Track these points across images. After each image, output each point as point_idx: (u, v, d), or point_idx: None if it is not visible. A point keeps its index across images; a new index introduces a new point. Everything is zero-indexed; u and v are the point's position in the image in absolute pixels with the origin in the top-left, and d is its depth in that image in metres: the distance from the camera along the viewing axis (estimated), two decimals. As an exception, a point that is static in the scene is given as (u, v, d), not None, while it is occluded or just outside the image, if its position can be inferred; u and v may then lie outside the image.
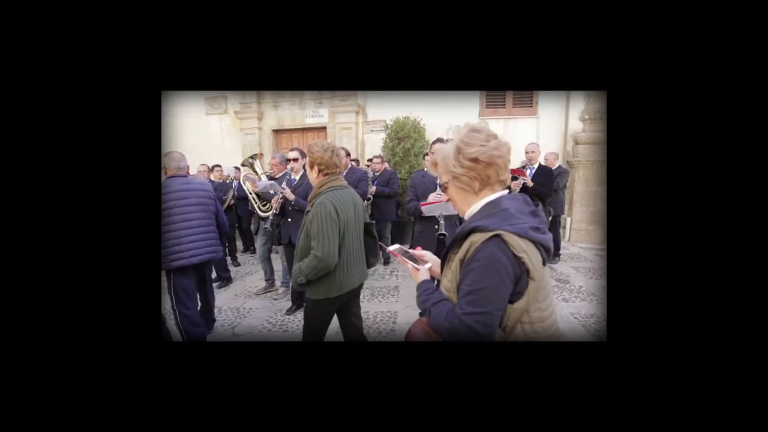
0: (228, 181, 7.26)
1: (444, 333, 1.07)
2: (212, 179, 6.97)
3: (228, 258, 6.56)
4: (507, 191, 1.25)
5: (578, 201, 8.10)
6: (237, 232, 7.64)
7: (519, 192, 4.95)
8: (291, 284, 4.64)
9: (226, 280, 5.85)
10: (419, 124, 7.92)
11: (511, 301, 1.07)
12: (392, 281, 5.75)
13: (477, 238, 1.10)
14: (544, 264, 1.10)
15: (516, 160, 7.95)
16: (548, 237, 1.12)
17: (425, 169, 3.97)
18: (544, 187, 4.94)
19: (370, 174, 6.38)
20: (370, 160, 7.44)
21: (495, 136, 1.20)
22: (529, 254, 1.04)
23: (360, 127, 9.30)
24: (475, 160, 1.16)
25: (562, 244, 7.65)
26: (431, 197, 3.47)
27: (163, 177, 2.89)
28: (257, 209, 4.94)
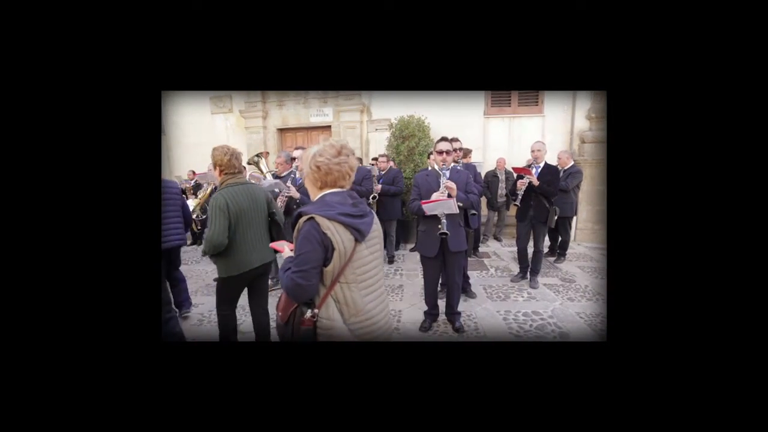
0: (233, 180, 7.30)
1: (285, 289, 1.53)
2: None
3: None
4: (340, 189, 1.66)
5: (584, 200, 8.05)
6: (242, 230, 7.68)
7: (524, 191, 4.93)
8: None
9: (231, 278, 5.89)
10: (424, 122, 7.91)
11: (325, 265, 1.52)
12: (396, 280, 5.75)
13: (302, 219, 1.55)
14: (359, 240, 1.59)
15: (522, 159, 7.92)
16: (362, 221, 1.62)
17: (429, 168, 3.97)
18: (550, 186, 4.91)
19: (376, 173, 6.38)
20: (374, 159, 7.45)
21: (347, 154, 1.60)
22: (334, 231, 1.51)
23: (364, 125, 9.30)
24: (318, 167, 1.59)
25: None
26: (434, 196, 3.47)
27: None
28: (262, 208, 4.97)
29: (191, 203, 5.88)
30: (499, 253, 7.29)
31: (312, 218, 1.52)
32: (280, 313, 1.61)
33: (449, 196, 3.42)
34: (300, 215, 1.58)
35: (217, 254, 2.83)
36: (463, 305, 4.50)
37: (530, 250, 5.38)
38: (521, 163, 6.17)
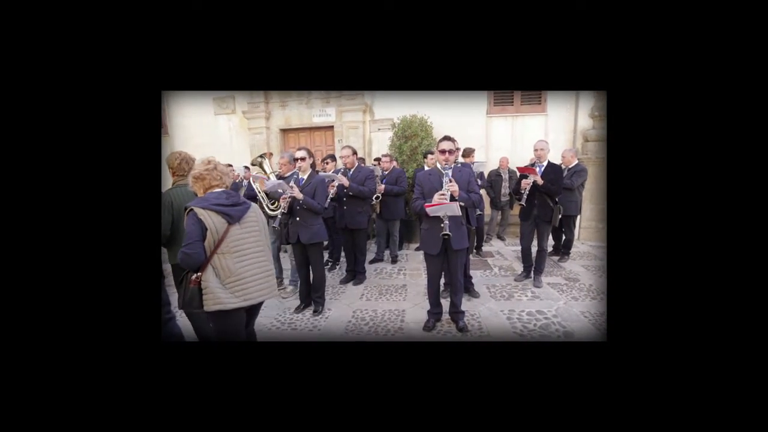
0: (238, 181, 7.34)
1: (179, 260, 2.16)
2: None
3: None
4: (217, 189, 2.45)
5: (588, 198, 8.01)
6: (246, 231, 7.70)
7: (529, 190, 4.89)
8: (299, 283, 4.68)
9: (235, 278, 5.91)
10: (426, 122, 7.89)
11: (204, 240, 2.23)
12: (400, 280, 5.75)
13: (186, 211, 2.29)
14: (231, 222, 2.34)
15: (525, 158, 7.89)
16: (234, 209, 2.37)
17: (426, 167, 3.99)
18: (554, 184, 4.89)
19: (379, 173, 6.38)
20: (377, 159, 7.44)
21: (214, 165, 2.44)
22: (206, 216, 2.25)
23: (367, 125, 9.30)
24: (196, 177, 2.42)
25: (572, 242, 7.57)
26: (436, 198, 3.47)
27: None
28: (266, 208, 4.99)
29: None
30: (503, 252, 7.27)
31: (192, 209, 2.27)
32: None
33: (452, 197, 3.44)
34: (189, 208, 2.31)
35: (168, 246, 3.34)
36: (467, 304, 4.49)
37: (534, 249, 5.36)
38: (524, 162, 6.14)
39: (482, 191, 5.89)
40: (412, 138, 7.67)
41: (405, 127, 7.74)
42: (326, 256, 6.56)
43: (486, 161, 8.51)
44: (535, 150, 5.12)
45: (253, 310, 2.66)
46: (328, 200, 4.87)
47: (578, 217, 6.94)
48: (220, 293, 2.23)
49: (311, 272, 4.59)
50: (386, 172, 6.41)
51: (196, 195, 2.50)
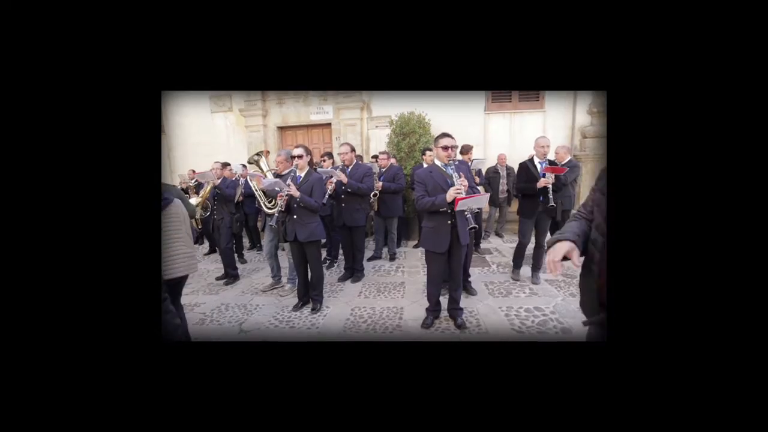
0: (235, 179, 7.32)
1: None
2: (224, 177, 7.01)
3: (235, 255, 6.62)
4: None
5: (585, 195, 8.02)
6: (244, 229, 7.70)
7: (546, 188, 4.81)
8: (297, 281, 4.68)
9: (233, 277, 5.91)
10: (424, 119, 7.88)
11: None
12: (398, 277, 5.76)
13: None
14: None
15: (523, 155, 7.89)
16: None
17: (423, 165, 3.97)
18: (558, 180, 4.91)
19: (376, 170, 6.38)
20: (375, 156, 7.43)
21: None
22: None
23: (365, 123, 9.28)
24: None
25: (569, 238, 7.56)
26: (452, 192, 3.44)
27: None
28: (263, 206, 4.98)
29: (193, 201, 5.92)
30: (501, 249, 7.29)
31: None
32: None
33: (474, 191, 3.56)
34: None
35: None
36: (465, 302, 4.50)
37: (530, 246, 5.38)
38: (523, 158, 6.12)
39: (480, 188, 5.89)
40: (409, 135, 7.66)
41: (403, 125, 7.73)
42: (324, 253, 6.56)
43: (484, 158, 8.52)
44: (542, 147, 5.02)
45: (176, 287, 3.17)
46: (326, 197, 4.86)
47: (572, 211, 6.98)
48: None
49: (309, 270, 4.59)
50: (384, 170, 6.40)
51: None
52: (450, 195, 3.43)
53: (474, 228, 3.51)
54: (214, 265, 6.85)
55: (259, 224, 7.34)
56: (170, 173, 9.96)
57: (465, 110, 8.63)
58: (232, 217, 6.07)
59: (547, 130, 8.60)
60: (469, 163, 5.69)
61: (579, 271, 1.46)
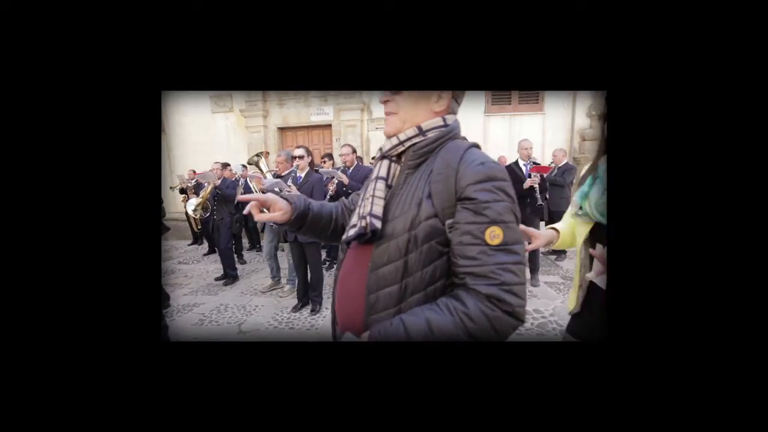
0: (235, 179, 7.31)
1: None
2: (224, 177, 7.01)
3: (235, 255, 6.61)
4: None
5: (585, 198, 8.02)
6: (243, 229, 7.70)
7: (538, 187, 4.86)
8: (297, 282, 4.68)
9: (232, 278, 5.91)
10: (424, 121, 7.88)
11: None
12: (397, 278, 5.74)
13: None
14: None
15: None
16: None
17: None
18: (546, 182, 5.00)
19: (376, 171, 6.36)
20: (374, 157, 7.42)
21: None
22: None
23: (365, 124, 9.29)
24: None
25: (569, 241, 7.57)
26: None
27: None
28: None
29: (194, 202, 5.92)
30: (500, 251, 7.28)
31: None
32: None
33: None
34: None
35: None
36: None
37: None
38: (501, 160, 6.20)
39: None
40: (409, 137, 7.64)
41: (403, 126, 7.71)
42: (324, 255, 6.56)
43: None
44: (525, 149, 5.12)
45: None
46: (327, 198, 4.86)
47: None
48: None
49: (309, 271, 4.58)
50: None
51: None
52: None
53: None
54: (213, 266, 6.85)
55: (259, 225, 7.33)
56: (170, 173, 9.95)
57: (465, 112, 8.63)
58: (232, 218, 6.06)
59: (546, 132, 8.62)
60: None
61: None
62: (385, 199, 1.05)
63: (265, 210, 1.25)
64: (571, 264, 6.30)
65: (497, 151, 8.41)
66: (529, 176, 4.92)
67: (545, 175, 4.97)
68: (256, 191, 5.09)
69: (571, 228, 1.64)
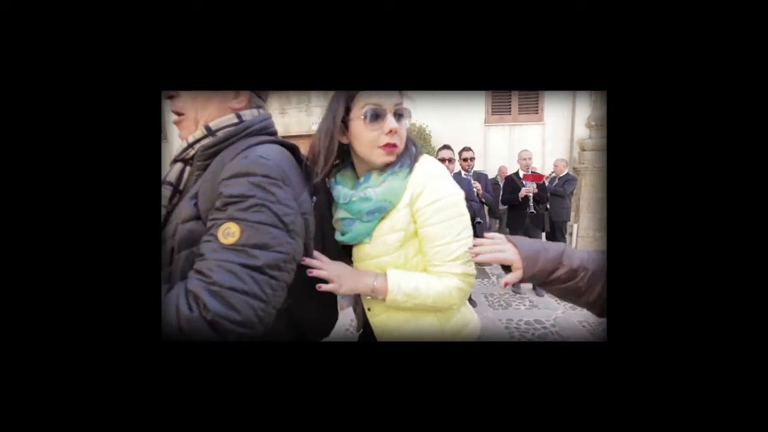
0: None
1: None
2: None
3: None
4: None
5: (585, 208, 8.01)
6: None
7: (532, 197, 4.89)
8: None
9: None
10: (425, 130, 7.92)
11: None
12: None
13: None
14: None
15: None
16: None
17: None
18: (545, 191, 5.03)
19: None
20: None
21: None
22: None
23: (366, 133, 9.32)
24: None
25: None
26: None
27: None
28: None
29: None
30: (501, 260, 7.26)
31: None
32: None
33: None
34: None
35: None
36: (464, 313, 4.47)
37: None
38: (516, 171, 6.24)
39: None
40: (410, 146, 7.68)
41: (403, 136, 7.75)
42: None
43: (484, 170, 8.55)
44: (524, 159, 5.17)
45: None
46: None
47: (575, 226, 7.03)
48: None
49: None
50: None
51: None
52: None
53: (479, 222, 3.63)
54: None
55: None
56: (171, 181, 9.92)
57: (465, 121, 8.69)
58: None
59: (546, 142, 8.65)
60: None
61: None
62: (169, 205, 0.96)
63: None
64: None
65: (497, 162, 8.43)
66: (525, 185, 4.96)
67: (547, 185, 4.99)
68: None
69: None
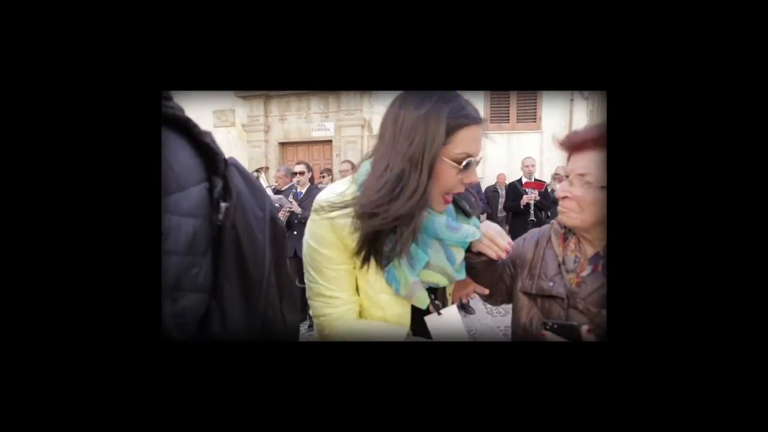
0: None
1: None
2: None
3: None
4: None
5: (584, 215, 8.02)
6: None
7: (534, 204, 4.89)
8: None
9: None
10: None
11: None
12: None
13: None
14: None
15: (518, 175, 7.96)
16: None
17: None
18: (547, 199, 5.00)
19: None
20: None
21: None
22: None
23: (365, 140, 9.37)
24: None
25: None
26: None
27: None
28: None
29: None
30: (500, 268, 7.25)
31: None
32: None
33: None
34: None
35: None
36: (463, 321, 4.45)
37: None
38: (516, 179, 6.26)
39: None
40: (409, 153, 7.69)
41: (402, 143, 7.77)
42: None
43: (482, 177, 8.58)
44: (527, 166, 5.19)
45: None
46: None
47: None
48: None
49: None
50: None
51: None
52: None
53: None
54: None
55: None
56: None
57: (464, 130, 8.73)
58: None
59: (544, 150, 8.70)
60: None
61: None
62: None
63: None
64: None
65: (495, 169, 8.46)
66: (526, 192, 4.98)
67: (549, 192, 4.98)
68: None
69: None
